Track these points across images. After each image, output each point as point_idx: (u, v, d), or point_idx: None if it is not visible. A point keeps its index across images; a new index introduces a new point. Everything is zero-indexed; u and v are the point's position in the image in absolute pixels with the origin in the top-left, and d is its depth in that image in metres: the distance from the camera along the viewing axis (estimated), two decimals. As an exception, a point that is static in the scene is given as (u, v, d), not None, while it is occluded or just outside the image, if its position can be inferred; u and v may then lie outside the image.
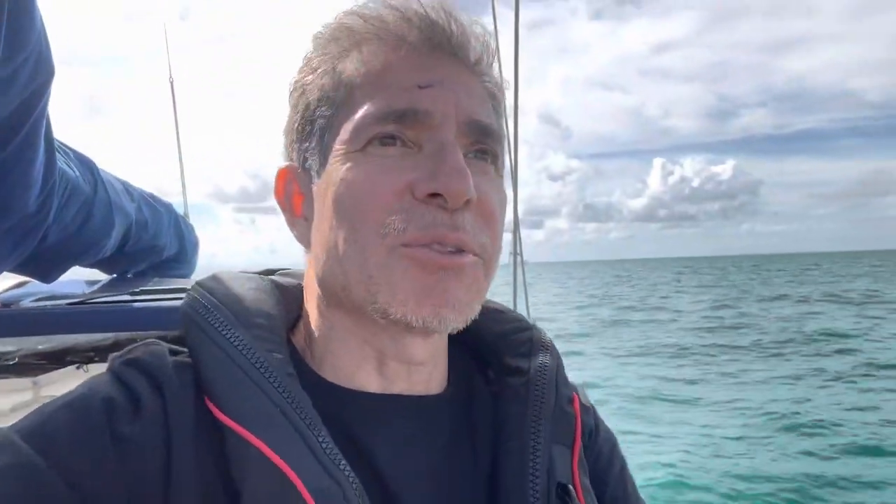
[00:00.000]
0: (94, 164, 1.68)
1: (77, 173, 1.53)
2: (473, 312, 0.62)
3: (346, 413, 0.63)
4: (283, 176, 0.70)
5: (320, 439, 0.55)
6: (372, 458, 0.61)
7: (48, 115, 1.20)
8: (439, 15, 0.64)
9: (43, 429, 0.53)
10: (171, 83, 4.00)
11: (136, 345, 0.62)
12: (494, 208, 0.64)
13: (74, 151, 1.61)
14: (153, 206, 2.07)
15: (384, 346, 0.65)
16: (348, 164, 0.62)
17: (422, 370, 0.67)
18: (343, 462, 0.55)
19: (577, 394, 0.74)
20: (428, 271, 0.59)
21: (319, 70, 0.66)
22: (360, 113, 0.62)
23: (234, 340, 0.60)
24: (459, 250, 0.60)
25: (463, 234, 0.60)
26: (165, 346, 0.63)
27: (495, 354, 0.76)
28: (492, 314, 0.79)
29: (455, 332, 0.63)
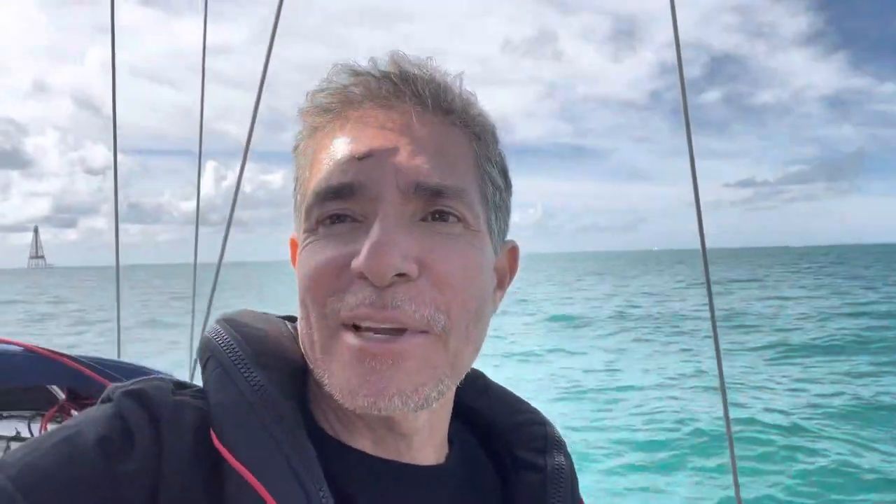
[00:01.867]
0: None
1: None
2: (430, 395, 0.58)
3: (344, 471, 0.62)
4: (292, 245, 0.70)
5: (322, 497, 0.54)
6: None
7: None
8: (391, 65, 0.62)
9: (33, 472, 0.50)
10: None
11: (140, 378, 0.61)
12: (452, 273, 0.59)
13: None
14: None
15: (366, 416, 0.63)
16: (305, 246, 0.62)
17: (414, 439, 0.65)
18: None
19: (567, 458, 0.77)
20: (359, 359, 0.56)
21: (296, 147, 0.68)
22: (308, 194, 0.62)
23: (251, 380, 0.59)
24: (398, 330, 0.57)
25: (396, 312, 0.56)
26: (171, 382, 0.62)
27: (507, 445, 0.75)
28: (505, 402, 0.79)
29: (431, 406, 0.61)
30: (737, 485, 2.14)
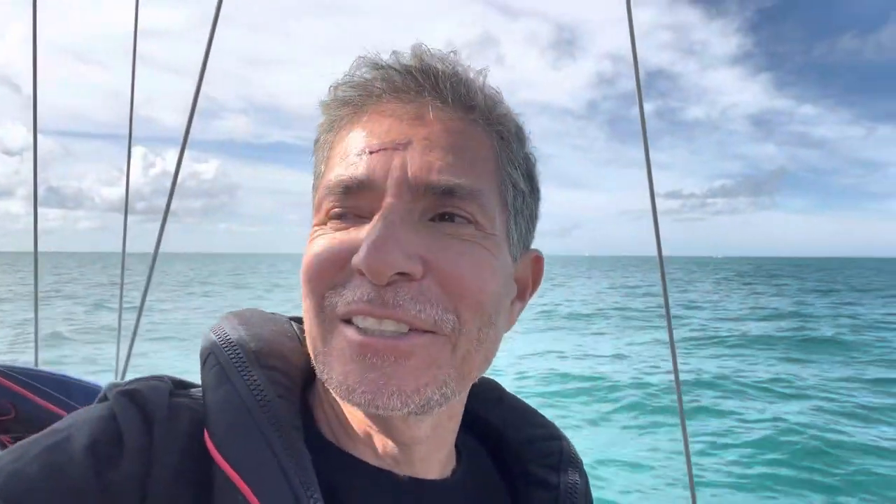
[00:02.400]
0: None
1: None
2: (432, 397, 0.56)
3: (341, 479, 0.59)
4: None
5: (312, 502, 0.53)
6: None
7: None
8: (414, 59, 0.60)
9: (19, 481, 0.48)
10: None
11: (138, 378, 0.60)
12: (461, 274, 0.56)
13: None
14: None
15: (367, 420, 0.61)
16: (312, 238, 0.61)
17: (416, 449, 0.62)
18: None
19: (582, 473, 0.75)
20: (359, 354, 0.54)
21: (317, 141, 0.66)
22: (321, 187, 0.61)
23: (249, 380, 0.58)
24: (405, 330, 0.55)
25: (397, 310, 0.54)
26: (170, 381, 0.61)
27: (518, 459, 0.72)
28: (520, 414, 0.76)
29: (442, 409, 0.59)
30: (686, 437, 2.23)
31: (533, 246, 0.68)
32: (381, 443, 0.61)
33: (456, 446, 0.68)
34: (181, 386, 0.62)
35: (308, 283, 0.58)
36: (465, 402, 0.66)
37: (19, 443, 0.52)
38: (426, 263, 0.55)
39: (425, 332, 0.55)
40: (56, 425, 0.54)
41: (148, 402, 0.56)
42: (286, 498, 0.52)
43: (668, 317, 2.19)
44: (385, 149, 0.57)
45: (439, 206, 0.57)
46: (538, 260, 0.69)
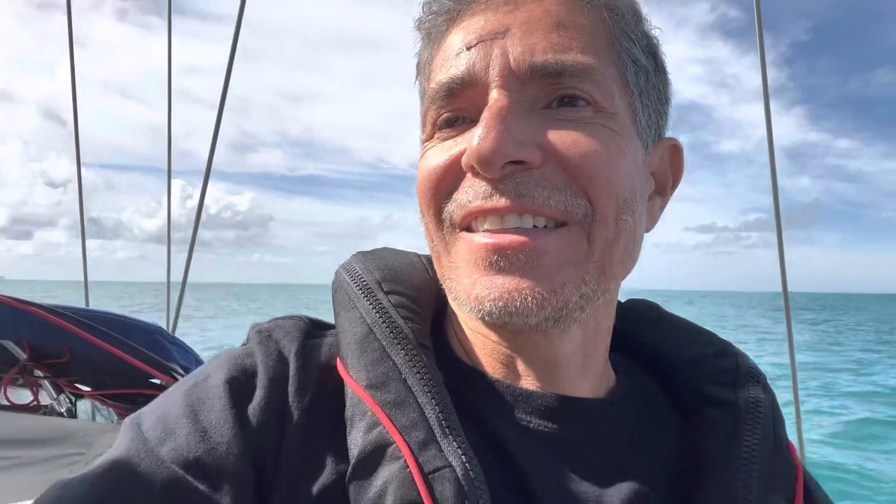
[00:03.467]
0: None
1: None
2: (571, 299, 0.52)
3: (479, 400, 0.57)
4: None
5: (442, 415, 0.51)
6: (506, 451, 0.55)
7: None
8: None
9: (163, 422, 0.52)
10: None
11: (279, 316, 0.62)
12: (586, 156, 0.51)
13: None
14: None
15: (504, 340, 0.59)
16: (422, 157, 0.59)
17: (563, 369, 0.58)
18: (464, 444, 0.50)
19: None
20: (485, 258, 0.52)
21: (418, 63, 0.63)
22: (425, 100, 0.59)
23: (373, 303, 0.58)
24: (530, 225, 0.52)
25: (521, 200, 0.51)
26: (308, 320, 0.63)
27: (685, 380, 0.65)
28: (684, 332, 0.68)
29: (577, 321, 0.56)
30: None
31: None
32: (523, 363, 0.58)
33: (613, 368, 0.64)
34: (320, 326, 0.63)
35: (423, 199, 0.57)
36: (612, 316, 0.61)
37: (171, 387, 0.56)
38: (544, 149, 0.51)
39: (556, 226, 0.52)
40: (200, 367, 0.58)
41: (284, 337, 0.58)
42: (412, 411, 0.50)
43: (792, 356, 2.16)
44: (483, 41, 0.53)
45: (551, 91, 0.53)
46: (676, 149, 0.63)
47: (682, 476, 0.58)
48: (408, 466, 0.48)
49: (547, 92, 0.53)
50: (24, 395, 2.07)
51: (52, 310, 1.66)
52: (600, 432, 0.58)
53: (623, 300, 0.70)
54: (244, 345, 0.59)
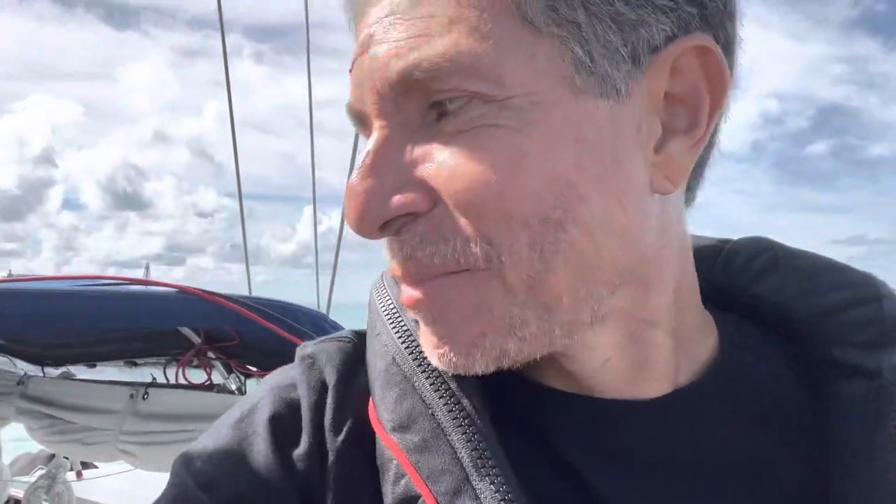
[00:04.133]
0: None
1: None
2: (505, 346, 0.42)
3: (543, 418, 0.48)
4: None
5: (475, 453, 0.42)
6: (573, 474, 0.46)
7: None
8: None
9: (211, 463, 0.48)
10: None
11: (325, 338, 0.54)
12: (468, 194, 0.39)
13: None
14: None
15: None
16: None
17: (604, 370, 0.47)
18: (505, 485, 0.41)
19: None
20: (415, 310, 0.45)
21: None
22: None
23: (396, 327, 0.49)
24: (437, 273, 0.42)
25: (412, 263, 0.42)
26: (356, 341, 0.53)
27: (813, 341, 0.50)
28: (807, 277, 0.52)
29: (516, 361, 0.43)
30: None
31: None
32: (564, 368, 0.48)
33: (720, 339, 0.51)
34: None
35: None
36: (666, 294, 0.47)
37: (222, 417, 0.52)
38: (431, 188, 0.41)
39: (461, 271, 0.41)
40: (250, 395, 0.53)
41: (327, 364, 0.51)
42: (443, 454, 0.43)
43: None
44: (358, 56, 0.43)
45: (427, 101, 0.41)
46: (704, 52, 0.42)
47: (815, 471, 0.46)
48: None
49: (422, 102, 0.41)
50: (199, 376, 2.30)
51: (229, 297, 1.85)
52: (660, 437, 0.46)
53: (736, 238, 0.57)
54: (293, 366, 0.54)
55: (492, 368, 0.43)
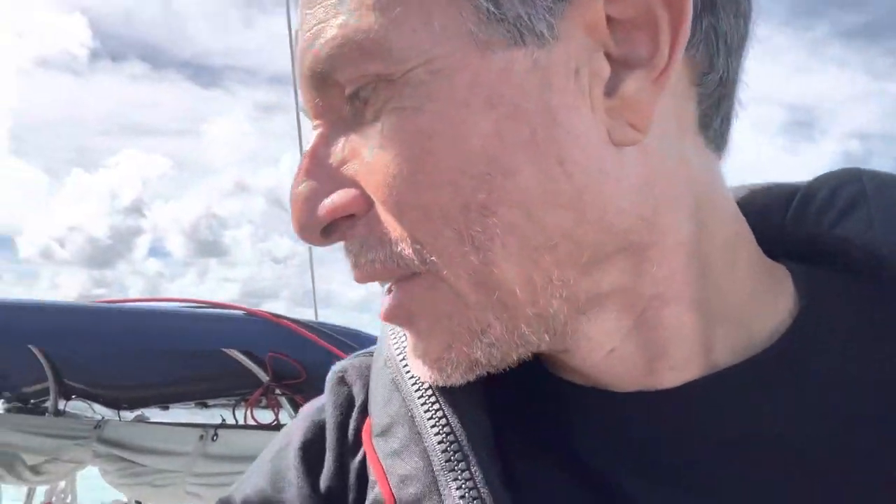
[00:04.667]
0: None
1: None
2: (475, 357, 0.37)
3: (558, 409, 0.42)
4: None
5: (444, 455, 0.39)
6: (587, 474, 0.40)
7: None
8: None
9: (248, 499, 0.48)
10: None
11: (362, 351, 0.51)
12: (387, 190, 0.35)
13: None
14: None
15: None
16: None
17: (611, 361, 0.40)
18: (475, 487, 0.37)
19: None
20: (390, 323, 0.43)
21: None
22: None
23: (391, 328, 0.46)
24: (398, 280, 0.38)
25: (359, 271, 0.38)
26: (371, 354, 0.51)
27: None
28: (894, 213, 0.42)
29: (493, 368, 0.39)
30: None
31: None
32: (572, 362, 0.42)
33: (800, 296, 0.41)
34: None
35: None
36: (677, 263, 0.38)
37: (263, 451, 0.51)
38: (362, 187, 0.37)
39: (410, 275, 0.37)
40: (289, 424, 0.52)
41: (357, 380, 0.48)
42: (415, 457, 0.40)
43: None
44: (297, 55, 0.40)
45: (344, 92, 0.37)
46: None
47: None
48: None
49: (344, 97, 0.37)
50: (267, 416, 2.28)
51: (296, 321, 1.83)
52: (725, 422, 0.38)
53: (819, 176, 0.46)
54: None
55: (471, 378, 0.39)
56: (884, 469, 0.35)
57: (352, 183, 0.37)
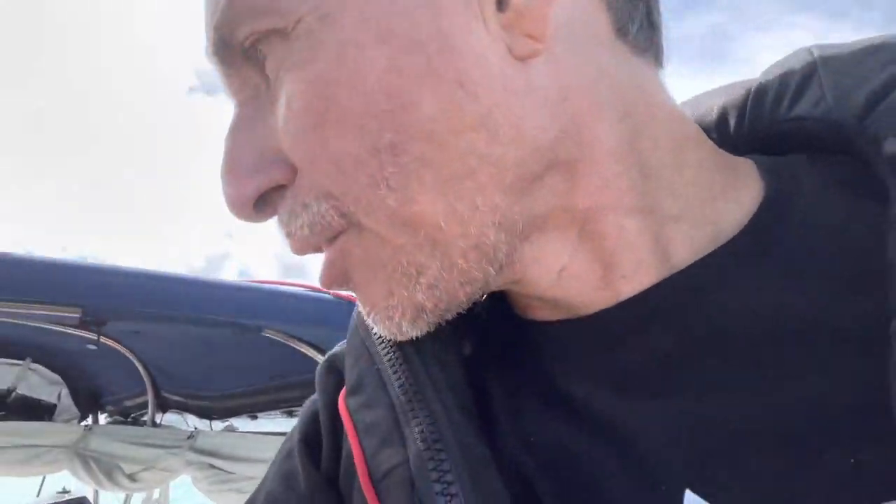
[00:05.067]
0: None
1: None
2: (420, 302, 0.36)
3: (532, 350, 0.42)
4: None
5: (404, 397, 0.39)
6: (565, 404, 0.39)
7: None
8: None
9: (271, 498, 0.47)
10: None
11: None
12: (293, 142, 0.35)
13: None
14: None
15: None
16: None
17: (565, 282, 0.38)
18: (430, 425, 0.37)
19: None
20: (335, 289, 0.41)
21: None
22: None
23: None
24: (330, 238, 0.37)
25: (292, 241, 0.37)
26: None
27: (862, 145, 0.37)
28: (858, 57, 0.39)
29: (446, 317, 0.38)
30: None
31: None
32: (523, 297, 0.42)
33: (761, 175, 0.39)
34: None
35: None
36: (609, 172, 0.36)
37: (278, 450, 0.50)
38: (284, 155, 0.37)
39: (340, 232, 0.37)
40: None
41: (342, 367, 0.46)
42: (379, 407, 0.40)
43: None
44: None
45: (248, 58, 0.37)
46: None
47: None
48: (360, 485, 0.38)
49: (239, 57, 0.36)
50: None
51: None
52: (688, 321, 0.36)
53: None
54: None
55: (424, 326, 0.37)
56: (853, 355, 0.33)
57: (274, 152, 0.36)
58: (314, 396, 0.48)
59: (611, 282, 0.37)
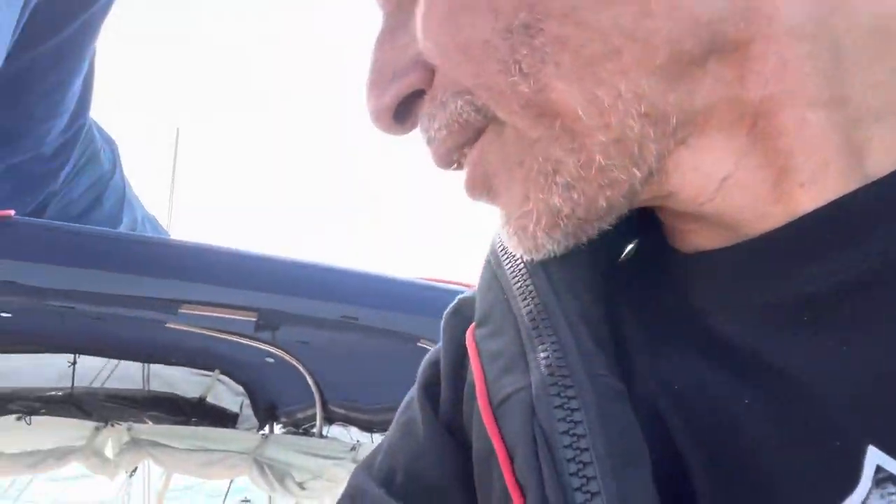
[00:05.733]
0: (117, 147, 1.63)
1: (100, 145, 1.44)
2: (556, 205, 0.33)
3: (691, 284, 0.37)
4: None
5: (532, 323, 0.36)
6: (714, 342, 0.34)
7: (94, 53, 1.07)
8: None
9: (386, 455, 0.46)
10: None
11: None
12: (431, 36, 0.33)
13: (98, 126, 1.57)
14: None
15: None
16: None
17: (728, 193, 0.33)
18: (557, 349, 0.34)
19: None
20: (476, 200, 0.39)
21: None
22: None
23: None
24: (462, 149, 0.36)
25: (434, 147, 0.36)
26: None
27: None
28: None
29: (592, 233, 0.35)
30: None
31: None
32: (679, 215, 0.37)
33: None
34: None
35: None
36: (790, 56, 0.30)
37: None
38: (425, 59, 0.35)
39: (476, 132, 0.35)
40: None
41: (469, 309, 0.45)
42: (506, 335, 0.38)
43: None
44: None
45: None
46: None
47: None
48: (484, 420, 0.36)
49: None
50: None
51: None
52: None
53: None
54: None
55: (558, 241, 0.34)
56: None
57: (413, 57, 0.34)
58: (437, 346, 0.47)
59: (786, 191, 0.31)
